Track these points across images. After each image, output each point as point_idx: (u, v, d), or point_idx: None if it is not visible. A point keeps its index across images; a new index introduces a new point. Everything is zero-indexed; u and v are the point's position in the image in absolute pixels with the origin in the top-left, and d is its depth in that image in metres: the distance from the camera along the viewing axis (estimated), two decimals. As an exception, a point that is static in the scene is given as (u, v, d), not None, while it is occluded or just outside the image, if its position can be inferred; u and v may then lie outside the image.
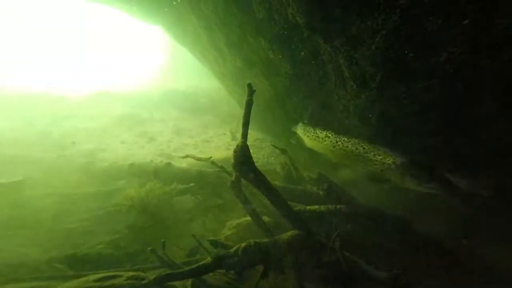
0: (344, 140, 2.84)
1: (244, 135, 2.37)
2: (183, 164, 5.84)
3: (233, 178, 2.39)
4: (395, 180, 2.41)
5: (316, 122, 3.77)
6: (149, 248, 2.40)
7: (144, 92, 16.37)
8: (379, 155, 2.46)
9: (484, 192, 2.33)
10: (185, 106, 13.43)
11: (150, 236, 3.30)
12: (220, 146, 8.05)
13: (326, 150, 3.12)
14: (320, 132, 3.24)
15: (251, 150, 2.32)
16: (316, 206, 3.19)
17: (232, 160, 2.26)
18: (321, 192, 3.23)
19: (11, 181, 3.59)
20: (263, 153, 7.00)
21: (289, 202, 2.53)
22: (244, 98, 2.52)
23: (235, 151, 2.25)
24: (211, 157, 4.29)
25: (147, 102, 14.11)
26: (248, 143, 2.32)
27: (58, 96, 14.40)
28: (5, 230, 3.24)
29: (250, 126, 2.51)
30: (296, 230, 2.34)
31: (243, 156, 2.22)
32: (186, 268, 2.06)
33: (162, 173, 4.39)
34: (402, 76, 2.26)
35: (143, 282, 2.03)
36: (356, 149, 2.65)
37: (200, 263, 2.06)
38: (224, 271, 2.39)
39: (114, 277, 2.06)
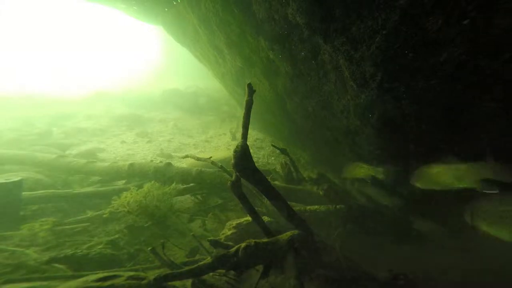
0: None
1: (244, 135, 2.37)
2: (183, 164, 5.84)
3: (233, 178, 2.38)
4: None
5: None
6: (149, 248, 2.40)
7: (144, 92, 16.38)
8: None
9: None
10: (185, 106, 13.45)
11: (150, 236, 3.30)
12: (220, 146, 8.05)
13: None
14: None
15: (251, 150, 2.32)
16: (316, 206, 3.19)
17: (232, 160, 2.26)
18: (321, 192, 3.23)
19: (11, 181, 3.58)
20: (263, 153, 7.01)
21: (289, 202, 2.53)
22: (244, 98, 2.52)
23: (235, 151, 2.25)
24: (211, 157, 4.30)
25: (147, 102, 14.12)
26: (248, 143, 2.32)
27: (58, 96, 14.41)
28: (5, 230, 3.24)
29: (250, 126, 2.51)
30: (296, 230, 2.34)
31: (243, 156, 2.22)
32: (186, 268, 2.06)
33: (162, 173, 4.39)
34: (402, 76, 2.26)
35: (143, 282, 2.03)
36: None
37: (200, 263, 2.06)
38: (224, 271, 2.39)
39: (114, 277, 2.06)
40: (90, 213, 3.73)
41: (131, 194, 3.43)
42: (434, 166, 2.43)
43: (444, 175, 2.31)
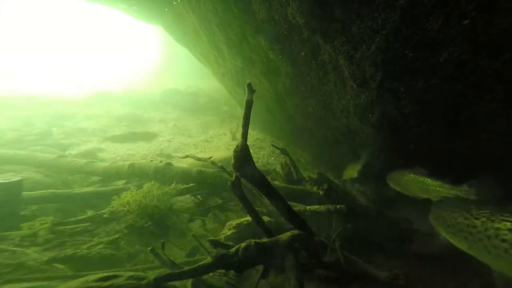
0: None
1: (244, 135, 2.37)
2: (183, 164, 5.84)
3: (233, 178, 2.38)
4: None
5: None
6: (149, 248, 2.40)
7: (144, 92, 16.39)
8: None
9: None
10: (185, 106, 13.45)
11: (150, 236, 3.30)
12: (220, 146, 8.05)
13: None
14: None
15: (251, 150, 2.32)
16: (316, 206, 3.19)
17: (232, 160, 2.26)
18: (321, 192, 3.22)
19: (11, 181, 3.58)
20: (263, 153, 7.01)
21: (289, 202, 2.53)
22: (244, 98, 2.52)
23: (235, 151, 2.25)
24: (211, 157, 4.29)
25: (147, 102, 14.14)
26: (248, 143, 2.32)
27: (58, 96, 14.42)
28: (6, 230, 3.24)
29: (250, 126, 2.51)
30: (296, 230, 2.34)
31: (243, 156, 2.22)
32: (186, 268, 2.06)
33: (162, 173, 4.39)
34: (402, 76, 2.26)
35: (143, 282, 2.03)
36: None
37: (200, 263, 2.06)
38: (224, 271, 2.39)
39: (114, 277, 2.06)
40: (90, 213, 3.73)
41: (131, 194, 3.43)
42: (406, 174, 2.76)
43: (412, 184, 2.66)
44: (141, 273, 2.21)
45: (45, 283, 2.36)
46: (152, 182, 3.69)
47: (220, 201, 4.10)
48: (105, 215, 3.56)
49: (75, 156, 6.04)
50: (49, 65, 23.45)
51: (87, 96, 14.83)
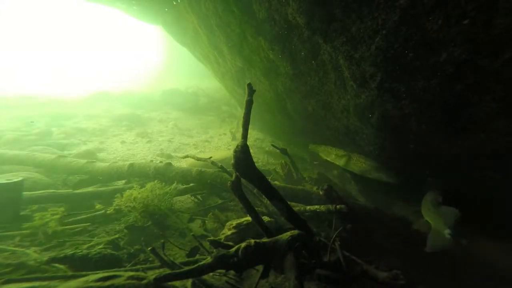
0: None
1: (244, 135, 2.37)
2: (183, 164, 5.85)
3: (233, 178, 2.38)
4: None
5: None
6: (149, 248, 2.40)
7: (144, 92, 16.40)
8: None
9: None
10: (185, 106, 13.46)
11: (150, 236, 3.30)
12: (220, 146, 8.05)
13: None
14: None
15: (251, 150, 2.32)
16: (316, 206, 3.19)
17: (232, 160, 2.26)
18: (321, 192, 3.22)
19: (13, 181, 3.58)
20: (263, 153, 7.00)
21: (289, 202, 2.52)
22: (244, 98, 2.52)
23: (235, 151, 2.25)
24: (211, 157, 4.30)
25: (147, 102, 14.14)
26: (248, 143, 2.32)
27: (58, 96, 14.42)
28: (6, 230, 3.24)
29: (250, 126, 2.51)
30: (296, 230, 2.34)
31: (243, 156, 2.22)
32: (186, 268, 2.06)
33: (162, 173, 4.39)
34: (402, 76, 2.26)
35: (143, 282, 2.03)
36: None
37: (200, 263, 2.05)
38: (224, 271, 2.39)
39: (114, 277, 2.06)
40: (90, 213, 3.73)
41: (137, 191, 3.45)
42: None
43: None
44: (141, 273, 2.21)
45: (45, 283, 2.36)
46: (155, 181, 3.71)
47: (220, 201, 4.11)
48: (109, 211, 3.59)
49: (75, 156, 6.04)
50: (49, 65, 23.44)
51: (87, 96, 14.82)
